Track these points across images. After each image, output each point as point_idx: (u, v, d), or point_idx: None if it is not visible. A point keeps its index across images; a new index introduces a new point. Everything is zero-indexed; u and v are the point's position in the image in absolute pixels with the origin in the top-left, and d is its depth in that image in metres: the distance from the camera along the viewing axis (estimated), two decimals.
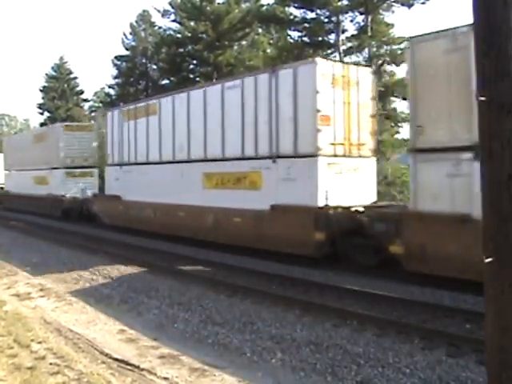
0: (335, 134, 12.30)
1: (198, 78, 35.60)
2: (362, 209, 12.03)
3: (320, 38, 29.16)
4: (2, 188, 36.76)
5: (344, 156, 12.55)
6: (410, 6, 27.67)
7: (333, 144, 12.25)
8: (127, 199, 19.01)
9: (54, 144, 26.39)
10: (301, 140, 12.26)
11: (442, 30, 9.65)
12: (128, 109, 19.78)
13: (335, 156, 12.35)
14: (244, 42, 35.80)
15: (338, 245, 11.64)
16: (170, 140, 16.65)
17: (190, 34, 35.18)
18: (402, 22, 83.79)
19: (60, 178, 25.78)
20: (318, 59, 12.61)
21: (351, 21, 28.96)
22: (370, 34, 27.43)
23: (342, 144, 12.47)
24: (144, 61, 42.77)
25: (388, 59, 28.64)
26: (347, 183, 12.48)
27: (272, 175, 12.82)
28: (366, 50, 28.49)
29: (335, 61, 16.01)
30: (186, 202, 15.46)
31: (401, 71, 28.42)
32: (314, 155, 11.99)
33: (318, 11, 28.49)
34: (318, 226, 11.58)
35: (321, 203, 11.76)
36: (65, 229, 21.35)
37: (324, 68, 12.22)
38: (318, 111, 11.89)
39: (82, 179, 25.74)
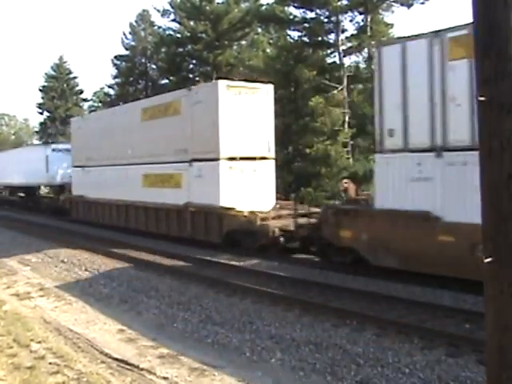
0: None
1: (197, 78, 35.62)
2: None
3: (320, 38, 29.14)
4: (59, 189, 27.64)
5: None
6: (409, 5, 27.71)
7: None
8: (466, 221, 8.67)
9: (202, 117, 15.13)
10: None
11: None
12: None
13: None
14: (243, 42, 35.83)
15: None
16: None
17: (189, 34, 35.20)
18: (401, 22, 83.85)
19: (216, 177, 14.54)
20: None
21: (351, 20, 28.99)
22: (369, 33, 27.44)
23: None
24: (143, 60, 42.82)
25: None
26: None
27: None
28: (366, 49, 28.52)
29: None
30: None
31: None
32: None
33: (318, 11, 28.47)
34: None
35: None
36: (64, 228, 21.31)
37: None
38: None
39: (253, 178, 14.88)
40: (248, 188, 14.54)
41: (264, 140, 15.22)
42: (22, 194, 32.88)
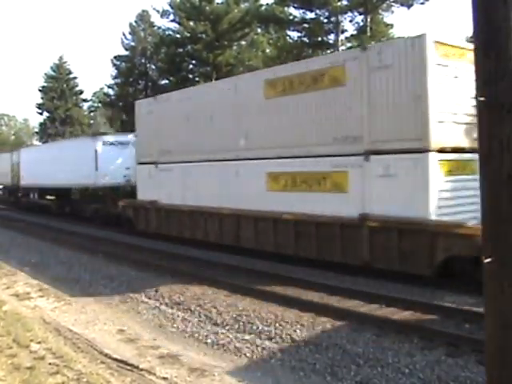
0: None
1: (197, 78, 35.66)
2: None
3: (319, 38, 29.24)
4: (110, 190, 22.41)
5: None
6: (409, 6, 27.79)
7: None
8: None
9: (390, 88, 10.24)
10: None
11: None
12: None
13: None
14: (243, 42, 35.88)
15: None
16: None
17: (189, 34, 35.25)
18: (401, 22, 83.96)
19: (422, 177, 9.75)
20: None
21: (350, 21, 29.13)
22: (369, 34, 27.50)
23: None
24: (143, 61, 42.84)
25: None
26: None
27: None
28: None
29: None
30: None
31: None
32: None
33: (318, 11, 28.57)
34: None
35: None
36: (64, 229, 21.28)
37: None
38: None
39: (465, 178, 10.09)
40: (462, 193, 9.96)
41: (470, 124, 10.10)
42: (50, 197, 28.44)
